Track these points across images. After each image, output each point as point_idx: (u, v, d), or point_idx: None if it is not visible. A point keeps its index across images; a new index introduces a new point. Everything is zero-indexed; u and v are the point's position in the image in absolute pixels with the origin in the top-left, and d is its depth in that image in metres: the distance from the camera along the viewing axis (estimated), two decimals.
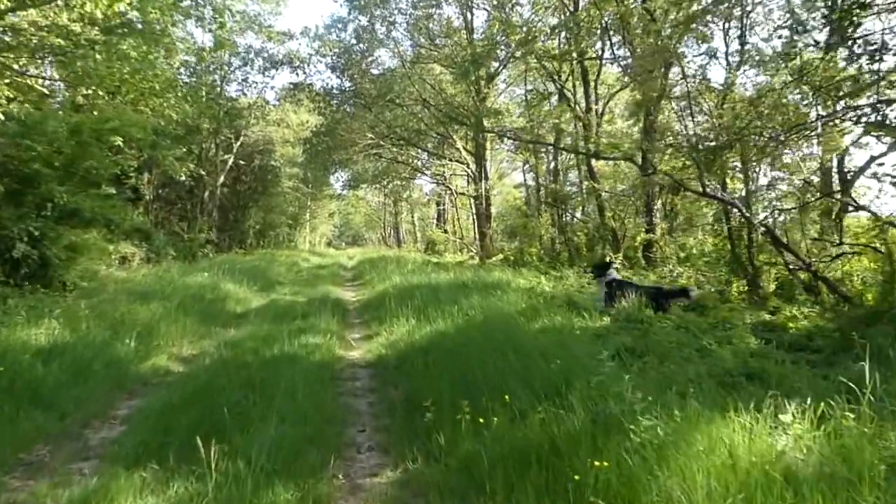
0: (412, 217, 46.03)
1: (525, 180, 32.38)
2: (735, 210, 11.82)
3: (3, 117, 10.87)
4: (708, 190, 11.59)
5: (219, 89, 25.71)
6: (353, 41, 25.29)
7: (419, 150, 30.11)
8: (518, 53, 16.92)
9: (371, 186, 39.59)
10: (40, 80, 15.19)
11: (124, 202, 18.80)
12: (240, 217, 31.63)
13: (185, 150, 19.85)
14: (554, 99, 23.04)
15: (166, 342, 7.41)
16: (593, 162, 19.73)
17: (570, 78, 20.28)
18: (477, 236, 27.94)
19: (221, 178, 27.13)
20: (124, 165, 17.64)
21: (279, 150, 32.59)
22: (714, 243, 14.81)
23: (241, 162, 29.56)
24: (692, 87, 11.67)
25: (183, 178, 19.30)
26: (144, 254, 18.47)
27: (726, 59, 12.28)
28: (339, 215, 60.39)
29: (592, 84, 19.33)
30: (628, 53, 17.38)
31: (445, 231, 35.29)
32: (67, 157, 10.69)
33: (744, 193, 12.42)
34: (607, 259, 8.66)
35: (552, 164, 25.72)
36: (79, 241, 10.68)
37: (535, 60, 17.40)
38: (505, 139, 25.25)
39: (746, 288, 12.09)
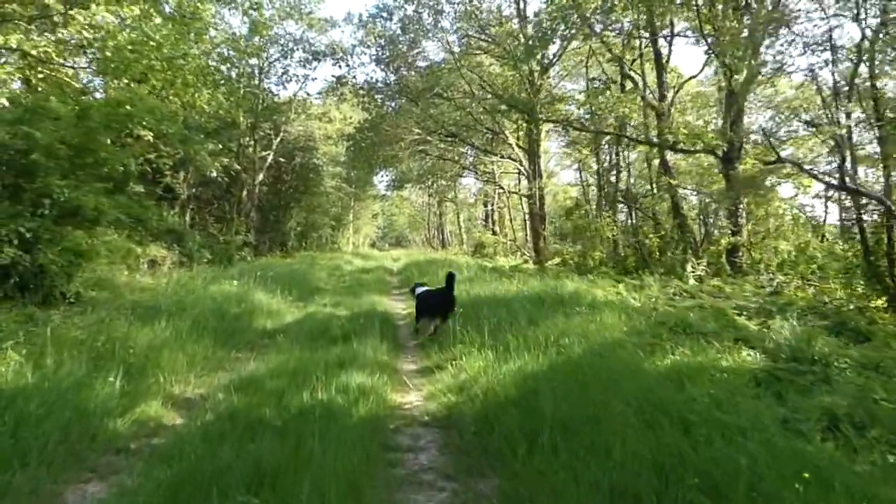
0: (458, 218, 44.17)
1: (582, 178, 30.18)
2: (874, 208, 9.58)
3: (6, 103, 9.51)
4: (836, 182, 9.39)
5: (256, 81, 24.32)
6: (399, 31, 23.80)
7: (467, 147, 28.41)
8: (588, 29, 14.77)
9: (415, 186, 38.04)
10: (71, 72, 13.96)
11: (156, 201, 17.47)
12: (280, 218, 30.27)
13: (220, 145, 18.47)
14: (615, 87, 20.94)
15: (167, 378, 5.61)
16: (668, 155, 17.58)
17: (640, 60, 18.13)
18: (530, 238, 25.96)
19: (260, 177, 25.80)
20: (159, 163, 16.34)
21: (321, 147, 31.18)
22: (831, 249, 12.43)
23: (282, 160, 28.27)
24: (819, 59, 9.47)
25: (215, 173, 17.85)
26: (177, 257, 17.09)
27: (857, 21, 9.95)
28: (383, 216, 59.25)
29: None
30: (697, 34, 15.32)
31: (494, 232, 33.38)
32: (73, 146, 9.13)
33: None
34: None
35: (607, 161, 23.59)
36: (86, 244, 9.08)
37: (612, 34, 15.24)
38: (566, 130, 23.24)
39: (886, 304, 9.79)
